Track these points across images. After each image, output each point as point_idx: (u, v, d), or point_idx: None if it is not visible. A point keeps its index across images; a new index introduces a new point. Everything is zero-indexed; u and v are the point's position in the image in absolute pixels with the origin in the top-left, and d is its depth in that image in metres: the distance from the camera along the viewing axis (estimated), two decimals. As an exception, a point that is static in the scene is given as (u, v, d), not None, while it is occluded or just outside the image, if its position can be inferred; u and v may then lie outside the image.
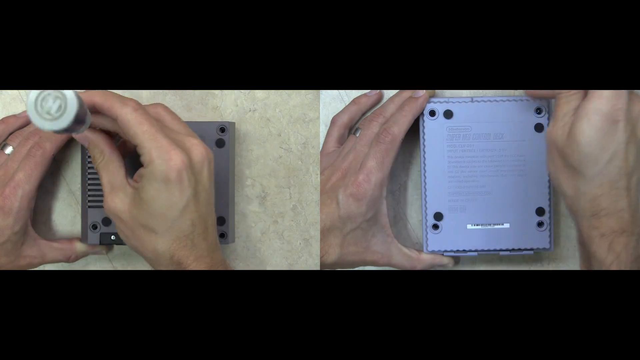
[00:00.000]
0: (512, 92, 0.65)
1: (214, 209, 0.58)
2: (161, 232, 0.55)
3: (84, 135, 0.56)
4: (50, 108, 0.47)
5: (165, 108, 0.59)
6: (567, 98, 0.56)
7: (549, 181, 0.63)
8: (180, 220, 0.55)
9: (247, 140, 0.65)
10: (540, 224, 0.64)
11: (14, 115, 0.65)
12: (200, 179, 0.56)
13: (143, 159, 0.55)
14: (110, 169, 0.57)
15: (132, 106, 0.55)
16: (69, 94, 0.47)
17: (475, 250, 0.64)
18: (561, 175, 0.57)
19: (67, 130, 0.48)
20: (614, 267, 0.55)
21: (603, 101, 0.54)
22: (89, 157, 0.62)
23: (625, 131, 0.55)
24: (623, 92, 0.55)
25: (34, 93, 0.47)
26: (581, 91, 0.56)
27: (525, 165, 0.63)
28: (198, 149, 0.56)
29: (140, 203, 0.55)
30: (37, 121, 0.47)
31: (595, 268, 0.56)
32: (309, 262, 0.66)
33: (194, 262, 0.56)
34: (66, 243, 0.64)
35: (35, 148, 0.61)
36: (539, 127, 0.63)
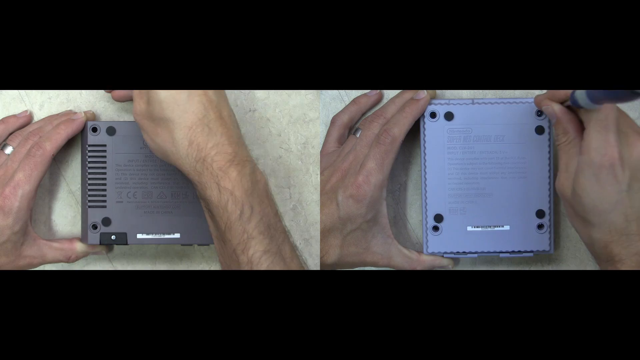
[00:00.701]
0: (512, 93, 0.65)
1: (228, 106, 0.57)
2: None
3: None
4: None
5: None
6: (565, 149, 0.58)
7: (550, 183, 0.63)
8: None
9: (247, 140, 0.65)
10: (540, 227, 0.64)
11: (14, 115, 0.65)
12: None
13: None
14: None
15: None
16: None
17: (475, 252, 0.64)
18: (575, 223, 0.59)
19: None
20: None
21: (592, 153, 0.55)
22: (89, 157, 0.63)
23: (624, 177, 0.55)
24: (612, 141, 0.55)
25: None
26: (577, 138, 0.57)
27: (526, 168, 0.63)
28: None
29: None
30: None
31: None
32: (309, 262, 0.66)
33: (213, 149, 0.55)
34: (66, 243, 0.64)
35: (35, 148, 0.61)
36: (539, 130, 0.63)
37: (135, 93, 0.57)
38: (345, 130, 0.66)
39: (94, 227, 0.63)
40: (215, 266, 0.67)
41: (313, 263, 0.66)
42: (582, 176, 0.56)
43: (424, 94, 0.63)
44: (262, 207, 0.56)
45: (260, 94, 0.65)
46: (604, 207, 0.56)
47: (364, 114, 0.67)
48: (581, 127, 0.57)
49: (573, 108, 0.58)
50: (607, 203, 0.55)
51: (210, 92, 0.56)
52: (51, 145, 0.62)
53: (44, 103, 0.65)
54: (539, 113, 0.63)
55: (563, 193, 0.58)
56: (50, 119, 0.64)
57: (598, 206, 0.56)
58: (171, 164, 0.57)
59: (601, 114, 0.55)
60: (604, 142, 0.55)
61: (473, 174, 0.64)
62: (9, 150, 0.63)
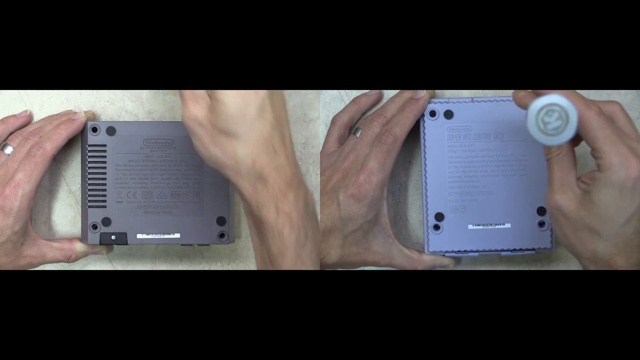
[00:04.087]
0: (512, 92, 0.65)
1: (289, 124, 0.56)
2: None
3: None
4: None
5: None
6: (559, 162, 0.57)
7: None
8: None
9: (248, 140, 0.65)
10: (541, 224, 0.64)
11: (14, 115, 0.65)
12: None
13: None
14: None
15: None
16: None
17: (477, 251, 0.64)
18: (574, 239, 0.57)
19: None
20: None
21: (617, 168, 0.54)
22: (89, 157, 0.63)
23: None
24: (628, 153, 0.54)
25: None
26: (570, 150, 0.56)
27: (526, 165, 0.63)
28: None
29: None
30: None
31: None
32: (310, 262, 0.66)
33: (275, 170, 0.54)
34: (66, 243, 0.64)
35: (35, 148, 0.61)
36: (539, 127, 0.63)
37: (187, 94, 0.54)
38: (346, 130, 0.66)
39: (94, 227, 0.63)
40: (214, 266, 0.67)
41: (313, 263, 0.66)
42: (604, 191, 0.54)
43: (423, 92, 0.63)
44: (313, 230, 0.55)
45: (260, 94, 0.65)
46: (619, 220, 0.55)
47: (364, 113, 0.67)
48: (572, 140, 0.55)
49: None
50: (624, 216, 0.55)
51: (277, 108, 0.54)
52: (51, 145, 0.62)
53: (44, 103, 0.65)
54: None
55: (561, 208, 0.56)
56: (50, 119, 0.64)
57: (615, 219, 0.55)
58: (223, 174, 0.54)
59: (606, 130, 0.54)
60: (623, 157, 0.54)
61: (473, 172, 0.64)
62: (9, 150, 0.63)
